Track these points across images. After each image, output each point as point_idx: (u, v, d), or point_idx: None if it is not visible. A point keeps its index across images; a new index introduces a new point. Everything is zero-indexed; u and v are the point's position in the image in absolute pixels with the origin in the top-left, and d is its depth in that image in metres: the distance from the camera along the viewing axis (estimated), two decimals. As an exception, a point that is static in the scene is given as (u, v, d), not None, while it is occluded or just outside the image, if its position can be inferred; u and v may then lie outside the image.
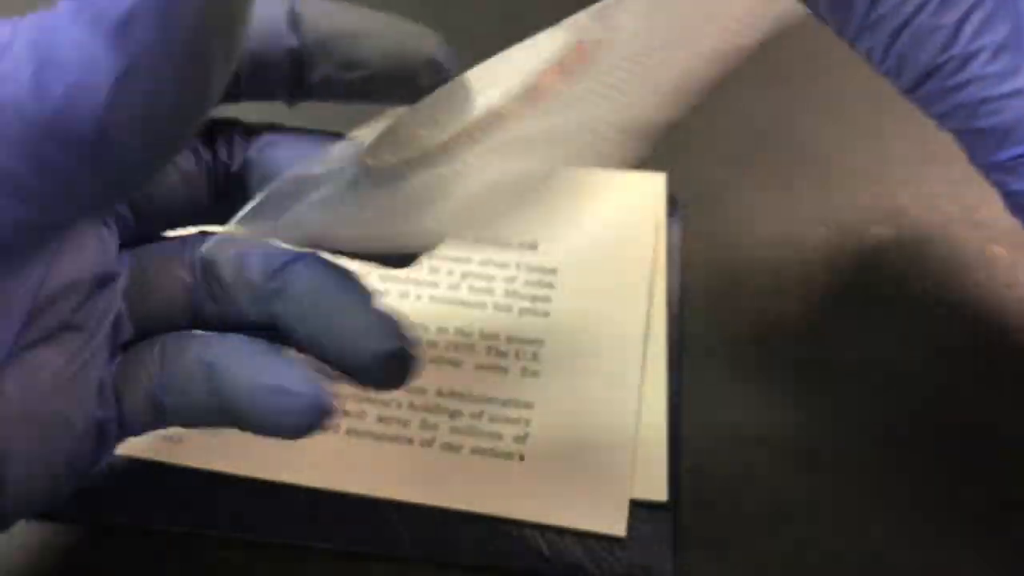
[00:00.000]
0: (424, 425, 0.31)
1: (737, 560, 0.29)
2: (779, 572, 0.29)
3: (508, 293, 0.34)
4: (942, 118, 0.25)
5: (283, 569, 0.29)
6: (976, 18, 0.23)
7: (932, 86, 0.24)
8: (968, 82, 0.24)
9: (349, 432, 0.31)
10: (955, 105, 0.24)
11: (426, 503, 0.29)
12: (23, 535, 0.29)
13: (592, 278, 0.35)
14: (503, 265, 0.35)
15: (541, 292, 0.34)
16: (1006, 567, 0.29)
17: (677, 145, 0.34)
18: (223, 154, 0.26)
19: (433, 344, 0.33)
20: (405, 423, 0.31)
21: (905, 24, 0.24)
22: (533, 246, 0.35)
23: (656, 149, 0.24)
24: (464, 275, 0.34)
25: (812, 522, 0.30)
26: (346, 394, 0.29)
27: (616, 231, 0.36)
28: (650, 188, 0.37)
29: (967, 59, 0.24)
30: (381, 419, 0.31)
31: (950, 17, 0.23)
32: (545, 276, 0.35)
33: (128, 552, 0.29)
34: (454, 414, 0.31)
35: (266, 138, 0.26)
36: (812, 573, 0.29)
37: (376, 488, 0.30)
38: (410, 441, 0.30)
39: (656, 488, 0.30)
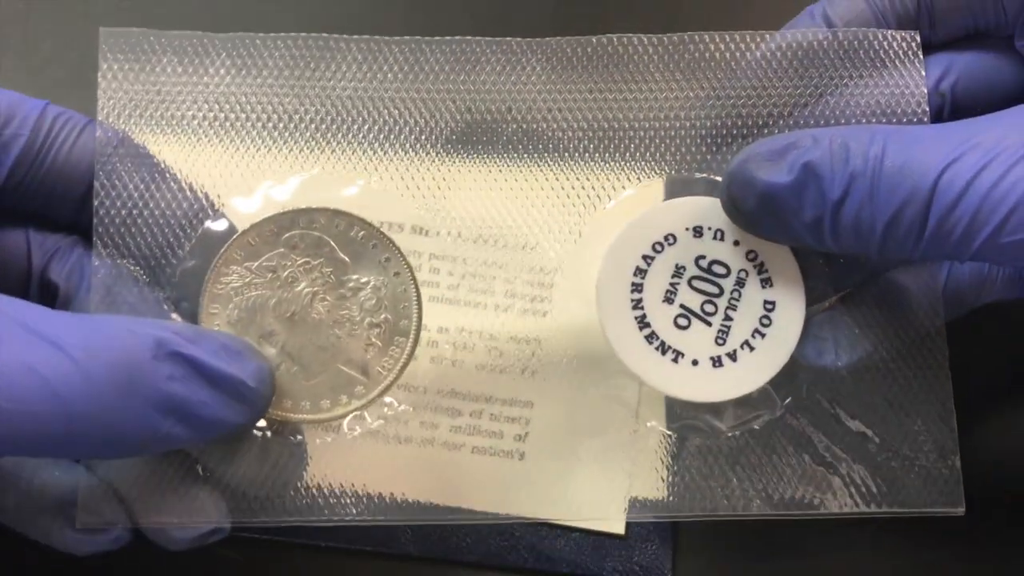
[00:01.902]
0: (424, 424, 0.31)
1: (736, 559, 0.29)
2: (778, 571, 0.29)
3: (508, 293, 0.34)
4: None
5: (284, 566, 0.29)
6: None
7: None
8: None
9: (350, 431, 0.31)
10: None
11: (427, 501, 0.29)
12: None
13: (592, 278, 0.35)
14: (503, 265, 0.35)
15: (541, 292, 0.34)
16: None
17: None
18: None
19: (433, 344, 0.33)
20: (405, 422, 0.31)
21: None
22: (533, 246, 0.35)
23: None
24: (464, 275, 0.34)
25: (810, 523, 0.30)
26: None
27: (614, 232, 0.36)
28: (648, 191, 0.37)
29: None
30: (381, 418, 0.31)
31: None
32: (545, 276, 0.35)
33: (129, 552, 0.29)
34: (454, 413, 0.31)
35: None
36: (810, 574, 0.29)
37: (377, 486, 0.30)
38: (410, 440, 0.31)
39: (655, 486, 0.30)
